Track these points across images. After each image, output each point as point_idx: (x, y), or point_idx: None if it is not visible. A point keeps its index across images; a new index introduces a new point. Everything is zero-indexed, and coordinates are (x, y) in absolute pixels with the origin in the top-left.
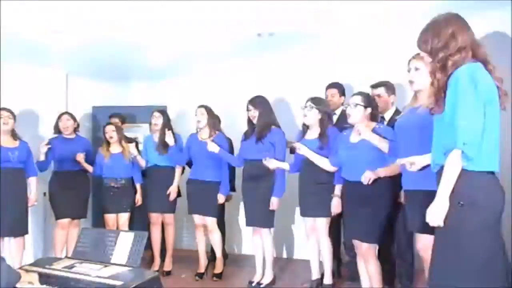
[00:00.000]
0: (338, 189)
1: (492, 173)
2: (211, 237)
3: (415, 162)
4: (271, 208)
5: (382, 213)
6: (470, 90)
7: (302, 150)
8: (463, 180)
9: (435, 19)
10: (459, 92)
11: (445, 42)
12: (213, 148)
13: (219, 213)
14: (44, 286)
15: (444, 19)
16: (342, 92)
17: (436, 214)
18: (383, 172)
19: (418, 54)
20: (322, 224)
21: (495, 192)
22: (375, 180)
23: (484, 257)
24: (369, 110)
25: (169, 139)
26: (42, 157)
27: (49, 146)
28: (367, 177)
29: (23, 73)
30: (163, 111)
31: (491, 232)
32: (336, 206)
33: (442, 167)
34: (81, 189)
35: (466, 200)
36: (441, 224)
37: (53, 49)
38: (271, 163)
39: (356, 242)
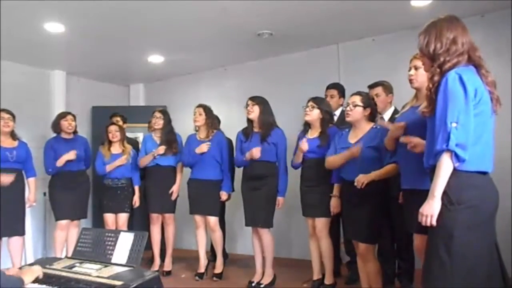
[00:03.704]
0: (336, 189)
1: (485, 173)
2: (213, 236)
3: (417, 145)
4: (278, 207)
5: (380, 213)
6: (460, 92)
7: None
8: (454, 180)
9: (436, 22)
10: (449, 95)
11: (447, 47)
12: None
13: (220, 213)
14: (44, 286)
15: (446, 23)
16: (342, 93)
17: (428, 214)
18: (376, 175)
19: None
20: (322, 224)
21: (486, 192)
22: (371, 180)
23: (476, 256)
24: (368, 110)
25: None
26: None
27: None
28: (360, 181)
29: (23, 73)
30: (164, 111)
31: (483, 232)
32: (334, 206)
33: (434, 167)
34: (81, 190)
35: (457, 199)
36: (434, 223)
37: (53, 49)
38: None
39: (355, 242)
